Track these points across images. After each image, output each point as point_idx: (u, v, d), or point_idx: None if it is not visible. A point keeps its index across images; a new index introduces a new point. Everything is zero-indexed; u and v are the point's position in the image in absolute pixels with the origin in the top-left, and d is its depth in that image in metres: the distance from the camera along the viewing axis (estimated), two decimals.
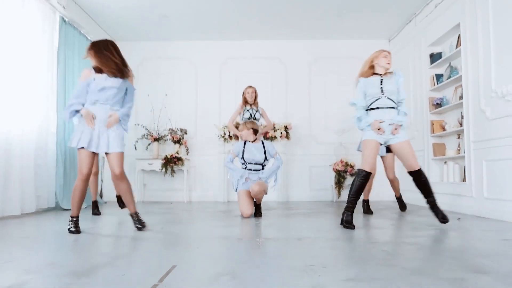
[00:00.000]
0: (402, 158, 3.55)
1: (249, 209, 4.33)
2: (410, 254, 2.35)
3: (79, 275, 1.89)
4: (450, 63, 5.45)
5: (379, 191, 6.82)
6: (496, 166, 4.18)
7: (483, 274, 1.88)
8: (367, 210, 4.71)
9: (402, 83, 3.68)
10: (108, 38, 7.20)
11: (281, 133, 7.02)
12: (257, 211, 4.51)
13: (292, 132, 7.26)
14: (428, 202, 3.59)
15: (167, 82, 7.51)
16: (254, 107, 5.29)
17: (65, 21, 5.77)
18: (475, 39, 4.58)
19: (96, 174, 4.74)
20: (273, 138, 7.04)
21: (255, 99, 5.33)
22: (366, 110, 3.65)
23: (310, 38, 7.45)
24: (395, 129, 3.51)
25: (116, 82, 3.30)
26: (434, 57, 5.70)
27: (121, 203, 4.39)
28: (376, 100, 3.58)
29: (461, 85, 4.97)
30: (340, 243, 2.71)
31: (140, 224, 3.29)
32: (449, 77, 5.32)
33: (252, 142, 4.59)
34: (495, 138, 4.19)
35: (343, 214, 3.48)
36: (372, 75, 3.67)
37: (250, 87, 5.35)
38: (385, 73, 3.68)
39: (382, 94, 3.57)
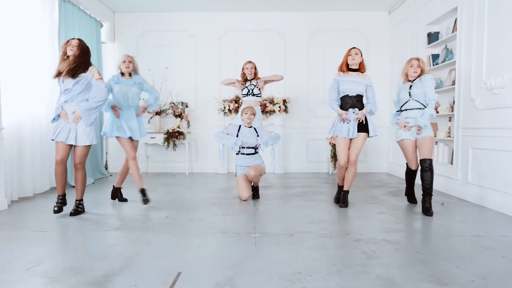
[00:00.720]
0: (420, 148, 4.09)
1: (247, 192, 4.63)
2: (387, 258, 2.66)
3: (97, 285, 2.21)
4: (446, 45, 5.52)
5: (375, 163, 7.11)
6: (480, 154, 4.42)
7: (445, 285, 2.19)
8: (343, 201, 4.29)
9: (429, 86, 4.02)
10: (107, 11, 7.22)
11: (279, 107, 7.19)
12: (255, 193, 4.82)
13: (291, 105, 7.44)
14: (424, 194, 4.02)
15: (167, 54, 7.57)
16: (254, 82, 5.32)
17: None
18: (470, 27, 4.65)
19: (134, 158, 4.42)
20: (271, 112, 7.23)
21: (255, 74, 5.36)
22: (397, 111, 4.34)
23: (309, 10, 7.41)
24: (418, 130, 4.06)
25: (70, 83, 3.78)
26: (432, 37, 5.75)
27: (114, 195, 4.72)
28: (405, 102, 4.17)
29: (455, 69, 5.08)
30: (326, 242, 3.02)
31: (75, 212, 3.91)
32: (444, 60, 5.41)
33: (247, 126, 4.81)
34: (482, 127, 4.39)
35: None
36: (406, 82, 4.26)
37: (249, 62, 5.36)
38: (416, 78, 4.17)
39: (410, 97, 4.12)
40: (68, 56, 3.80)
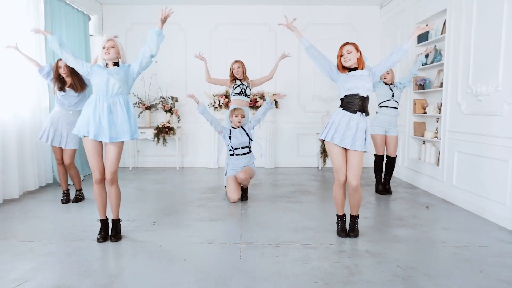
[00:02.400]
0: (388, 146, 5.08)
1: (236, 195, 4.67)
2: (369, 273, 2.72)
3: None
4: (435, 46, 5.52)
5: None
6: (466, 158, 4.47)
7: None
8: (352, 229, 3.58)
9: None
10: (95, 3, 7.09)
11: None
12: (243, 195, 4.86)
13: (281, 100, 7.42)
14: (385, 178, 5.16)
15: None
16: (245, 82, 5.31)
17: None
18: (458, 32, 4.64)
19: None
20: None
21: (244, 73, 5.31)
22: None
23: (300, 4, 7.33)
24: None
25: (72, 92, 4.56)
26: (421, 37, 5.74)
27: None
28: (386, 100, 5.12)
29: (443, 70, 5.10)
30: (311, 253, 3.07)
31: (76, 200, 4.73)
32: (433, 61, 5.42)
33: (236, 128, 4.83)
34: (467, 132, 4.44)
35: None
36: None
37: (236, 61, 5.28)
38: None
39: (392, 98, 5.11)
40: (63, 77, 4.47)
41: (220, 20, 7.48)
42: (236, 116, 4.76)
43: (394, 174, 6.29)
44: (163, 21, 3.37)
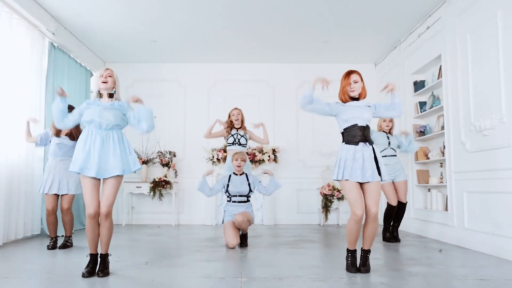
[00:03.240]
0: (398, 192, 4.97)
1: (235, 240, 4.37)
2: None
3: None
4: (432, 92, 5.59)
5: None
6: (476, 198, 4.28)
7: None
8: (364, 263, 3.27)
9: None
10: (98, 60, 7.30)
11: (269, 156, 7.09)
12: (243, 241, 4.55)
13: (280, 155, 7.34)
14: (393, 225, 4.98)
15: (156, 104, 7.52)
16: (241, 131, 5.24)
17: (54, 46, 5.81)
18: (454, 72, 4.71)
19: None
20: (261, 162, 7.11)
21: (242, 122, 5.26)
22: None
23: (297, 62, 7.57)
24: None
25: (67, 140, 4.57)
26: (418, 85, 5.84)
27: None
28: (384, 149, 4.94)
29: (443, 115, 5.09)
30: (319, 285, 2.76)
31: (63, 246, 4.44)
32: (432, 106, 5.45)
33: (237, 174, 4.65)
34: (475, 170, 4.29)
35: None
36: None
37: (236, 108, 5.26)
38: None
39: (389, 146, 5.01)
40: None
41: (219, 77, 7.66)
42: (236, 160, 4.63)
43: (400, 226, 5.99)
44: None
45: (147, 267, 3.35)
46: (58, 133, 4.50)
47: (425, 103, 5.76)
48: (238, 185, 4.61)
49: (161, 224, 7.09)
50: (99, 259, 3.11)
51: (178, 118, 7.57)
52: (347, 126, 3.20)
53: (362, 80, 3.28)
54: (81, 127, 4.57)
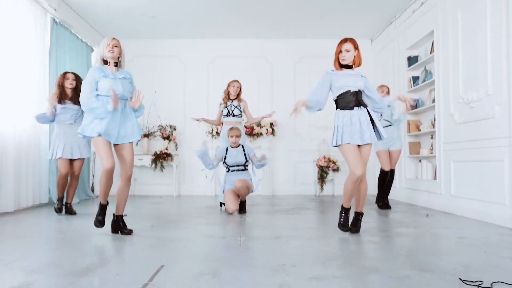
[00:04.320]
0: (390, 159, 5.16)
1: (234, 206, 4.64)
2: (371, 252, 2.67)
3: (79, 275, 2.17)
4: (425, 67, 5.76)
5: None
6: (461, 166, 4.52)
7: (427, 272, 2.20)
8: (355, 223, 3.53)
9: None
10: (99, 36, 7.39)
11: (266, 129, 7.30)
12: (242, 208, 4.81)
13: (278, 128, 7.55)
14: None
15: (156, 79, 7.71)
16: (235, 102, 5.36)
17: (56, 22, 5.93)
18: (446, 47, 4.88)
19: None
20: (259, 135, 7.33)
21: (238, 95, 5.39)
22: None
23: (295, 38, 7.69)
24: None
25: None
26: (411, 60, 6.00)
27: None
28: None
29: (435, 89, 5.28)
30: (312, 242, 3.02)
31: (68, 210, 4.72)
32: (424, 80, 5.63)
33: (233, 147, 4.90)
34: (462, 141, 4.52)
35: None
36: None
37: (237, 81, 5.39)
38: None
39: (381, 117, 5.09)
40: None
41: (218, 53, 7.79)
42: (231, 136, 4.86)
43: (391, 195, 6.25)
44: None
45: (153, 230, 3.61)
46: (60, 100, 4.60)
47: (418, 77, 5.94)
48: (235, 156, 4.86)
49: (163, 195, 7.36)
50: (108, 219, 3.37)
51: (178, 93, 7.74)
52: (340, 93, 3.29)
53: (357, 48, 3.33)
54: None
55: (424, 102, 5.80)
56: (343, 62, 3.32)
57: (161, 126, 7.42)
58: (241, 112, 5.34)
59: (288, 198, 6.75)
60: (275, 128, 7.44)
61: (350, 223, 3.41)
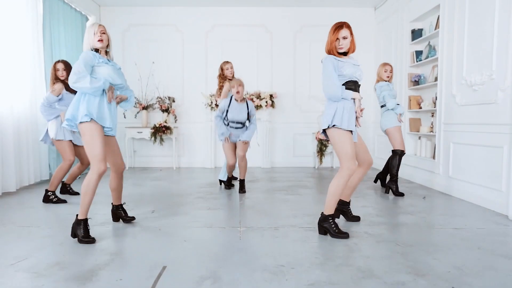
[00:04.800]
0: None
1: (233, 159, 4.82)
2: (368, 250, 2.73)
3: (83, 279, 2.23)
4: (429, 42, 5.62)
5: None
6: (461, 149, 4.53)
7: (421, 276, 2.27)
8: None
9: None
10: (93, 4, 7.16)
11: (266, 102, 7.23)
12: (241, 187, 4.86)
13: (277, 100, 7.49)
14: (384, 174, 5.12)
15: (154, 49, 7.54)
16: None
17: None
18: (451, 25, 4.74)
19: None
20: (258, 107, 7.27)
21: (233, 75, 5.28)
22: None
23: (296, 5, 7.45)
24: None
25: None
26: (415, 34, 5.84)
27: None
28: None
29: (438, 65, 5.18)
30: (310, 235, 3.09)
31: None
32: (427, 56, 5.51)
33: (238, 100, 4.72)
34: (462, 123, 4.50)
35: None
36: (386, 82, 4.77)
37: (228, 62, 5.25)
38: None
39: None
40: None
41: (216, 21, 7.57)
42: (233, 87, 4.64)
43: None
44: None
45: (154, 216, 3.67)
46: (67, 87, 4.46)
47: (421, 52, 5.81)
48: (237, 113, 4.68)
49: (163, 168, 7.42)
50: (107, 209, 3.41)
51: (176, 63, 7.59)
52: (347, 81, 3.12)
53: (352, 34, 3.13)
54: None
55: (427, 79, 5.71)
56: (340, 51, 3.11)
57: (160, 98, 7.35)
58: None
59: (287, 172, 6.81)
60: (274, 100, 7.38)
61: (349, 217, 3.52)
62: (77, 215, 2.97)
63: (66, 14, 6.33)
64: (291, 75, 7.65)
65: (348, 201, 3.52)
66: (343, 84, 3.14)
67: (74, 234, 2.97)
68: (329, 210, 3.11)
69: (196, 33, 7.57)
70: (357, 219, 3.54)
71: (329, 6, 7.50)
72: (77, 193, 4.72)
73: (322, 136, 3.15)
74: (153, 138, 7.05)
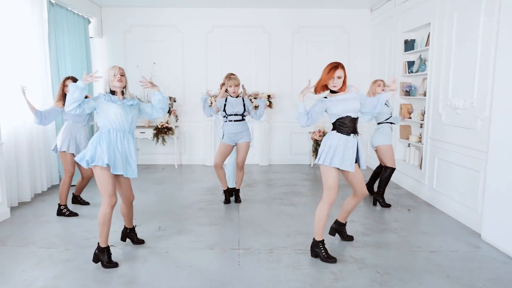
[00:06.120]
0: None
1: (221, 163, 5.04)
2: (351, 279, 3.12)
3: None
4: (420, 55, 5.85)
5: None
6: (444, 165, 4.86)
7: None
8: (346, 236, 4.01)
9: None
10: (94, 6, 7.30)
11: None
12: (236, 197, 5.23)
13: (275, 101, 7.75)
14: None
15: (154, 50, 7.73)
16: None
17: (52, 3, 5.89)
18: (440, 46, 4.97)
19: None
20: (256, 107, 7.52)
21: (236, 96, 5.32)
22: (379, 123, 5.08)
23: (294, 7, 7.59)
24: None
25: None
26: (408, 45, 6.06)
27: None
28: (390, 117, 5.09)
29: (427, 80, 5.43)
30: (301, 260, 3.47)
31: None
32: (418, 70, 5.76)
33: (235, 96, 5.04)
34: (447, 141, 4.81)
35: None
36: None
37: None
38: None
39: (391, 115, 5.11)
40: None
41: (216, 22, 7.72)
42: (230, 86, 4.94)
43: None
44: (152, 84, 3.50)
45: (160, 234, 4.05)
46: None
47: (413, 63, 6.04)
48: (234, 105, 5.00)
49: (165, 166, 7.77)
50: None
51: (176, 63, 7.81)
52: (339, 118, 3.37)
53: (345, 72, 3.36)
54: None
55: (417, 90, 5.97)
56: (334, 89, 3.37)
57: None
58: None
59: (284, 172, 7.17)
60: (272, 100, 7.64)
61: (343, 237, 3.91)
62: (98, 243, 3.34)
63: (70, 21, 6.49)
64: (288, 75, 7.89)
65: (344, 222, 3.91)
66: (336, 120, 3.39)
67: (96, 260, 3.33)
68: (319, 236, 3.50)
69: (196, 34, 7.75)
70: (350, 238, 3.93)
71: (326, 8, 7.64)
72: (87, 203, 5.08)
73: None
74: (155, 139, 7.36)
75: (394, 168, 5.04)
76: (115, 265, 3.31)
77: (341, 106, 3.34)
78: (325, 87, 3.40)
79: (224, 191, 5.25)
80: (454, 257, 3.54)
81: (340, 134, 3.38)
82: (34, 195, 5.41)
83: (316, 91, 3.41)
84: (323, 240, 3.50)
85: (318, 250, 3.49)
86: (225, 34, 7.75)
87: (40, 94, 5.63)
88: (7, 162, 4.85)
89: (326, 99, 3.42)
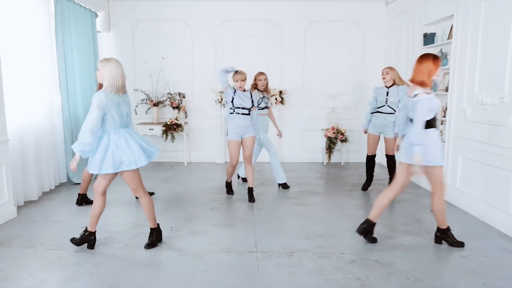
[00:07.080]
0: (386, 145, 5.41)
1: (237, 157, 5.10)
2: (378, 286, 2.91)
3: None
4: (441, 49, 5.61)
5: None
6: (470, 164, 4.62)
7: None
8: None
9: (403, 97, 4.76)
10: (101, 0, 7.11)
11: (276, 99, 7.29)
12: (250, 196, 5.04)
13: (286, 97, 7.53)
14: (390, 178, 5.52)
15: (163, 44, 7.53)
16: (264, 94, 5.62)
17: None
18: (464, 40, 4.72)
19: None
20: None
21: (267, 85, 5.62)
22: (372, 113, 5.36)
23: (305, 0, 7.36)
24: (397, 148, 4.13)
25: None
26: (428, 38, 5.81)
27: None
28: (382, 106, 5.21)
29: (449, 74, 5.20)
30: (324, 264, 3.26)
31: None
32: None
33: (242, 91, 5.02)
34: (472, 139, 4.57)
35: None
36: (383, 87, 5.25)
37: (262, 73, 5.55)
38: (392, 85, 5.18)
39: (386, 103, 5.17)
40: None
41: (226, 16, 7.50)
42: (237, 81, 4.93)
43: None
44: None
45: (173, 235, 3.85)
46: None
47: None
48: (242, 98, 4.99)
49: (174, 163, 7.58)
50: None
51: (185, 58, 7.60)
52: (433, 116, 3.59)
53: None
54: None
55: (438, 85, 5.73)
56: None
57: (170, 94, 7.41)
58: (266, 104, 5.60)
59: (296, 170, 6.95)
60: (284, 96, 7.42)
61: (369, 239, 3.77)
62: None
63: (77, 13, 6.29)
64: (300, 71, 7.66)
65: (375, 222, 3.74)
66: (431, 119, 3.56)
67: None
68: (443, 224, 3.69)
69: (205, 28, 7.53)
70: (374, 240, 3.73)
71: (339, 1, 7.40)
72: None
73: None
74: (164, 136, 7.17)
75: (369, 155, 5.51)
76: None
77: (437, 103, 3.59)
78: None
79: (227, 183, 5.44)
80: (488, 263, 3.31)
81: (434, 129, 3.58)
82: (42, 194, 5.23)
83: (428, 84, 3.58)
84: (448, 226, 3.68)
85: (446, 236, 3.68)
86: (235, 29, 7.53)
87: (47, 89, 5.46)
88: (14, 159, 4.69)
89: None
